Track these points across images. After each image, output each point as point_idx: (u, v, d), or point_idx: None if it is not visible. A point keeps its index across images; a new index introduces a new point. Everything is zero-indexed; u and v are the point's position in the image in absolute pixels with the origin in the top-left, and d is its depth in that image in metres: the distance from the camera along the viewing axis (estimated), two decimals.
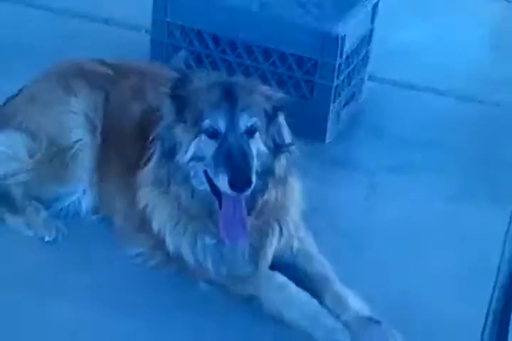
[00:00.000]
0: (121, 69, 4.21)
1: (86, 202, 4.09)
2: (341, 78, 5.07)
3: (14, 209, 4.02)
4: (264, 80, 4.94)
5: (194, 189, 3.53)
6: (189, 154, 3.45)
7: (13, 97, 4.25)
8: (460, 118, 5.68)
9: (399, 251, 4.21)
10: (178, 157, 3.50)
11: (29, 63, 5.18)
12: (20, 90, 4.26)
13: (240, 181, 3.29)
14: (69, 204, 4.09)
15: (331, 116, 5.10)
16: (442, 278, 4.04)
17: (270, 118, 3.56)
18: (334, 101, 5.08)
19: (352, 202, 4.63)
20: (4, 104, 4.28)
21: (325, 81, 4.97)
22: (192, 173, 3.49)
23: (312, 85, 5.03)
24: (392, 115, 5.65)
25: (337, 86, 5.04)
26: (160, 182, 3.61)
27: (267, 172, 3.55)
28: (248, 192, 3.35)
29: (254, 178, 3.33)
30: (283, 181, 3.65)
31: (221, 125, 3.40)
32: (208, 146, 3.41)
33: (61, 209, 4.11)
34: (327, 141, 5.17)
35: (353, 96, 5.48)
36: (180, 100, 3.51)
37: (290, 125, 3.68)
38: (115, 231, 3.98)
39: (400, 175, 4.94)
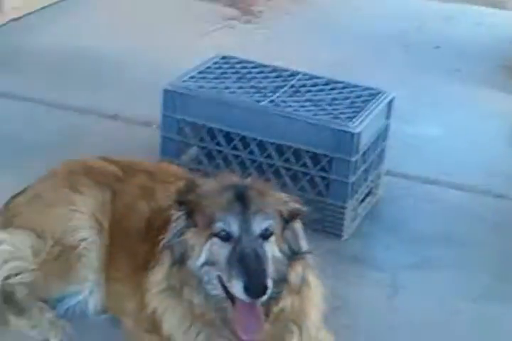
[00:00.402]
0: (130, 168, 4.14)
1: (93, 302, 3.91)
2: (358, 174, 4.96)
3: (18, 309, 3.84)
4: (278, 177, 4.93)
5: (207, 294, 3.35)
6: (202, 259, 3.30)
7: (17, 195, 4.16)
8: (478, 213, 5.54)
9: None
10: (189, 262, 3.34)
11: (32, 159, 5.22)
12: (25, 189, 4.18)
13: (255, 287, 3.12)
14: (75, 304, 3.92)
15: (348, 212, 4.96)
16: None
17: (286, 222, 3.42)
18: (351, 198, 4.95)
19: (374, 300, 4.43)
20: (8, 202, 4.18)
21: (341, 177, 4.86)
22: (206, 278, 3.32)
23: (328, 182, 4.92)
24: (410, 209, 5.52)
25: (354, 182, 4.92)
26: (172, 289, 3.45)
27: (280, 281, 3.37)
28: (264, 298, 3.18)
29: (270, 284, 3.17)
30: (298, 290, 3.46)
31: (234, 227, 3.26)
32: (221, 250, 3.26)
33: (67, 309, 3.93)
34: (344, 237, 5.02)
35: (369, 192, 5.36)
36: (190, 205, 3.39)
37: (307, 224, 3.56)
38: (124, 332, 3.78)
39: (422, 273, 4.76)
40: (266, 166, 4.99)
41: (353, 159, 4.83)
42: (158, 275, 3.50)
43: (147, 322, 3.61)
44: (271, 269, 3.24)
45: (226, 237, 3.25)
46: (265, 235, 3.28)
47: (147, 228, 3.74)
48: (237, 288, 3.14)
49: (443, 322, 4.25)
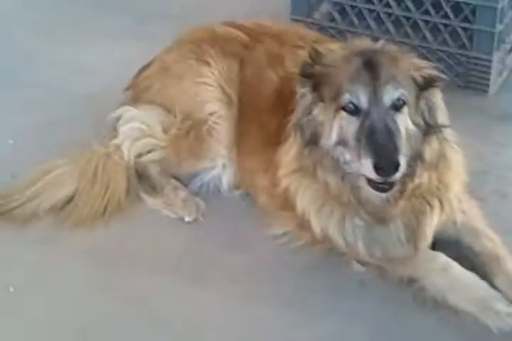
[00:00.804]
0: (257, 33, 3.88)
1: (226, 178, 3.83)
2: (505, 22, 4.51)
3: (152, 188, 3.82)
4: (417, 31, 4.58)
5: (345, 174, 3.16)
6: (334, 136, 3.09)
7: (144, 68, 4.03)
8: None
9: None
10: (322, 142, 3.14)
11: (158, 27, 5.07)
12: (152, 61, 4.03)
13: (386, 164, 2.89)
14: (209, 180, 3.85)
15: (494, 65, 4.57)
16: None
17: (420, 90, 3.12)
18: (498, 49, 4.54)
19: None
20: (136, 75, 4.07)
21: (486, 27, 4.43)
22: (341, 158, 3.12)
23: (471, 33, 4.51)
24: None
25: (500, 32, 4.49)
26: (306, 170, 3.28)
27: (414, 157, 3.12)
28: (398, 177, 2.96)
29: (403, 160, 2.93)
30: (434, 166, 3.21)
31: (362, 99, 2.99)
32: (349, 125, 3.03)
33: (201, 185, 3.87)
34: (491, 92, 4.66)
35: None
36: (315, 78, 3.14)
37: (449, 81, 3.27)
38: (258, 209, 3.70)
39: None
40: (403, 20, 4.63)
41: (500, 6, 4.37)
42: (289, 155, 3.35)
43: (280, 199, 3.52)
44: (404, 144, 3.01)
45: (354, 110, 3.02)
46: (397, 106, 3.02)
47: (277, 98, 3.55)
48: (366, 166, 2.94)
49: None
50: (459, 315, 3.14)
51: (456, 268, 3.21)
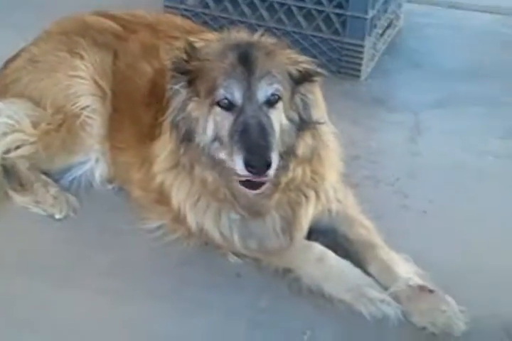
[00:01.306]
0: (130, 23, 3.81)
1: (99, 172, 3.77)
2: (377, 7, 4.58)
3: (21, 185, 3.71)
4: (291, 17, 4.57)
5: (221, 170, 3.13)
6: (209, 132, 3.05)
7: (11, 60, 3.89)
8: (505, 38, 5.24)
9: (449, 200, 3.80)
10: (198, 138, 3.09)
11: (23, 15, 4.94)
12: (20, 52, 3.90)
13: (257, 162, 2.87)
14: (81, 175, 3.78)
15: (367, 50, 4.64)
16: (501, 233, 3.61)
17: (295, 84, 3.09)
18: (370, 35, 4.61)
19: (395, 146, 4.21)
20: (2, 68, 3.93)
21: (359, 13, 4.49)
22: (217, 156, 3.09)
23: (344, 19, 4.56)
24: (433, 40, 5.23)
25: (372, 17, 4.56)
26: (182, 167, 3.24)
27: (288, 151, 3.11)
28: (269, 174, 2.93)
29: (275, 158, 2.91)
30: (308, 161, 3.22)
31: (236, 95, 2.96)
32: (224, 121, 2.99)
33: (72, 180, 3.79)
34: (362, 77, 4.74)
35: (389, 24, 5.01)
36: (190, 73, 3.08)
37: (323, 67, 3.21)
38: (132, 203, 3.65)
39: (446, 111, 4.52)
40: (278, 6, 4.64)
41: None
42: (165, 152, 3.30)
43: (155, 193, 3.47)
44: (277, 141, 2.98)
45: (229, 106, 2.98)
46: (271, 101, 3.00)
47: (151, 91, 3.49)
48: (237, 163, 2.91)
49: (470, 166, 4.04)
50: (334, 303, 3.17)
51: (331, 257, 3.25)
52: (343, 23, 4.57)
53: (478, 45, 5.18)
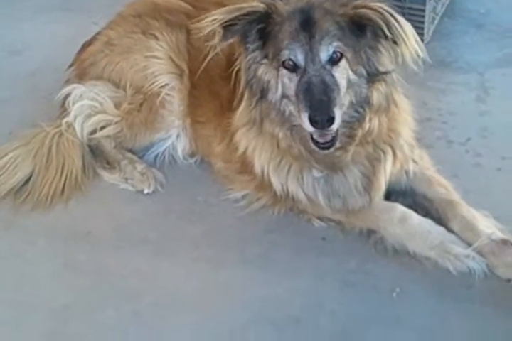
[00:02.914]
0: (198, 2, 3.89)
1: (181, 147, 3.89)
2: None
3: (109, 163, 3.86)
4: None
5: (292, 126, 3.26)
6: (279, 91, 3.17)
7: (88, 44, 4.02)
8: None
9: None
10: (270, 96, 3.22)
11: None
12: (95, 36, 4.03)
13: (320, 117, 2.98)
14: (164, 151, 3.91)
15: (428, 13, 4.68)
16: None
17: (358, 36, 3.13)
18: None
19: (464, 106, 4.26)
20: (80, 51, 4.06)
21: None
22: (287, 111, 3.21)
23: None
24: (490, 1, 5.19)
25: None
26: (253, 122, 3.36)
27: (363, 102, 3.21)
28: (333, 128, 3.04)
29: (337, 113, 3.02)
30: (386, 109, 3.29)
31: (299, 57, 3.07)
32: (290, 81, 3.12)
33: (156, 156, 3.93)
34: (426, 40, 4.76)
35: None
36: (263, 33, 3.17)
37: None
38: (215, 175, 3.79)
39: (511, 70, 4.52)
40: None
41: None
42: (240, 111, 3.43)
43: (238, 162, 3.60)
44: (342, 96, 3.09)
45: (293, 67, 3.10)
46: (334, 59, 3.09)
47: (227, 66, 3.55)
48: (304, 120, 3.03)
49: None
50: (420, 261, 3.27)
51: (414, 216, 3.34)
52: None
53: None
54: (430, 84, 4.41)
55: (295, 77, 3.10)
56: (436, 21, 4.89)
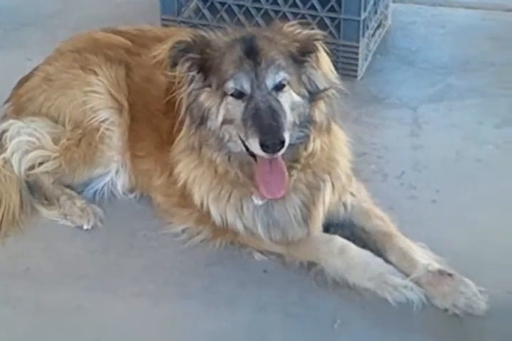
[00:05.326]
0: (138, 37, 3.95)
1: (120, 182, 3.89)
2: (368, 10, 4.76)
3: (47, 199, 3.83)
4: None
5: (230, 152, 3.31)
6: (220, 118, 3.22)
7: (25, 80, 4.01)
8: (491, 32, 5.39)
9: (455, 189, 3.96)
10: (209, 123, 3.27)
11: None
12: (33, 71, 4.02)
13: (271, 142, 3.03)
14: (103, 186, 3.90)
15: (361, 51, 4.81)
16: (508, 215, 3.77)
17: (299, 63, 3.26)
18: (363, 35, 4.78)
19: (398, 141, 4.37)
20: (16, 87, 4.05)
21: (352, 16, 4.67)
22: (226, 137, 3.27)
23: (338, 22, 4.73)
24: (421, 37, 5.39)
25: (365, 19, 4.73)
26: (191, 149, 3.40)
27: (306, 122, 3.29)
28: (281, 152, 3.09)
29: (286, 137, 3.08)
30: (327, 128, 3.37)
31: (245, 86, 3.14)
32: (236, 108, 3.17)
33: (95, 192, 3.92)
34: (359, 77, 4.90)
35: (379, 25, 5.18)
36: (202, 60, 3.24)
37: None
38: (155, 209, 3.80)
39: (443, 104, 4.68)
40: (272, 13, 4.80)
41: None
42: (178, 139, 3.48)
43: (177, 195, 3.62)
44: (289, 120, 3.16)
45: (239, 95, 3.15)
46: (279, 86, 3.17)
47: (168, 100, 3.58)
48: (253, 144, 3.08)
49: (470, 155, 4.20)
50: (359, 292, 3.32)
51: (352, 248, 3.39)
52: (337, 26, 4.73)
53: (464, 40, 5.35)
54: (365, 119, 4.54)
55: (241, 104, 3.16)
56: (369, 58, 5.02)
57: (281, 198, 3.33)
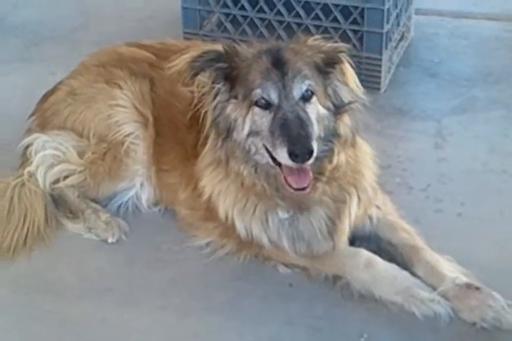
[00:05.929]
0: (163, 52, 3.95)
1: (145, 196, 3.89)
2: (391, 22, 4.75)
3: (72, 213, 3.83)
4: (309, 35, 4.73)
5: (257, 164, 3.30)
6: (246, 130, 3.22)
7: (49, 94, 4.02)
8: (511, 43, 5.38)
9: (481, 201, 3.93)
10: (235, 135, 3.27)
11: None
12: (57, 86, 4.03)
13: (300, 151, 3.03)
14: (127, 200, 3.90)
15: (385, 63, 4.80)
16: None
17: (324, 74, 3.27)
18: (386, 48, 4.77)
19: (422, 153, 4.35)
20: (41, 101, 4.06)
21: (375, 28, 4.66)
22: (253, 149, 3.26)
23: (361, 35, 4.73)
24: (444, 49, 5.38)
25: (387, 31, 4.73)
26: (218, 162, 3.40)
27: (331, 136, 3.29)
28: (310, 162, 3.09)
29: (315, 146, 3.07)
30: (352, 142, 3.38)
31: (273, 96, 3.15)
32: (263, 119, 3.17)
33: (119, 205, 3.92)
34: (382, 89, 4.88)
35: (402, 37, 5.17)
36: (229, 74, 3.25)
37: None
38: (179, 222, 3.79)
39: (467, 116, 4.66)
40: (295, 26, 4.80)
41: (386, 7, 4.60)
42: (204, 152, 3.48)
43: (202, 209, 3.61)
44: (316, 131, 3.17)
45: (266, 105, 3.16)
46: (306, 97, 3.18)
47: (192, 114, 3.60)
48: (282, 155, 3.07)
49: (497, 167, 4.17)
50: (386, 306, 3.29)
51: (379, 262, 3.37)
52: (360, 39, 4.73)
53: (487, 52, 5.33)
54: (388, 131, 4.52)
55: (269, 114, 3.16)
56: (392, 70, 5.01)
57: (306, 194, 3.27)
